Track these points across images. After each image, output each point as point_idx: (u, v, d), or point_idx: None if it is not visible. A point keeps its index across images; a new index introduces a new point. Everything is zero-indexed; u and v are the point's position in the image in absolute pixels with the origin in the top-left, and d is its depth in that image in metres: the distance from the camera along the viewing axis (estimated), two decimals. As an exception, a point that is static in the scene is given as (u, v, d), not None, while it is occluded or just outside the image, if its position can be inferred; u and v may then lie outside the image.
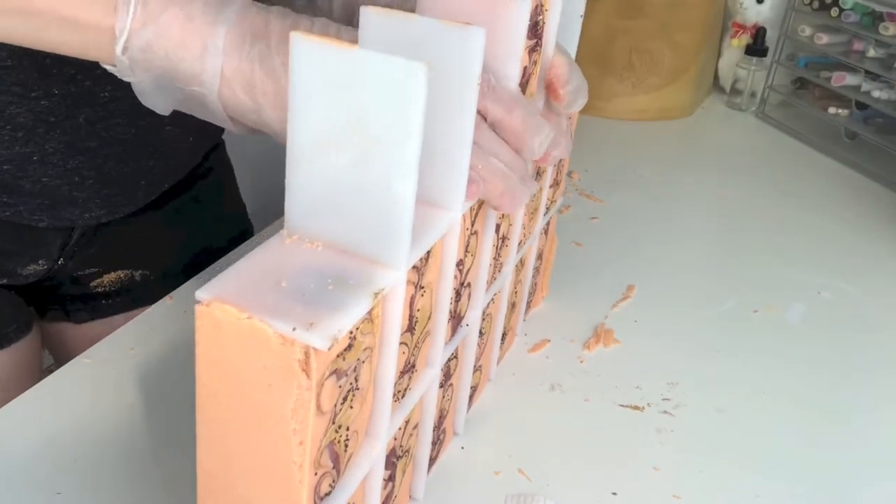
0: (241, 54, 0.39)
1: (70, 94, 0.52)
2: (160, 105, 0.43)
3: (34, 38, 0.41)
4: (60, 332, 0.73)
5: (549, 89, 0.47)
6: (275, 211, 0.46)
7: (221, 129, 0.79)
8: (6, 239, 0.61)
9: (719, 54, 1.24)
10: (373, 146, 0.31)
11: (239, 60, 0.39)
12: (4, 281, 0.64)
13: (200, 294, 0.30)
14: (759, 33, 1.16)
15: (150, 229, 0.70)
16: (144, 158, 0.63)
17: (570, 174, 0.93)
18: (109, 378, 0.55)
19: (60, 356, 0.75)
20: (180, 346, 0.58)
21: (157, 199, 0.69)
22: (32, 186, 0.58)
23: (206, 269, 0.67)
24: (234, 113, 0.42)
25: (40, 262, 0.64)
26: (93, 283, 0.70)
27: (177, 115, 0.63)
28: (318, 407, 0.30)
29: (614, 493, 0.50)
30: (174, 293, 0.64)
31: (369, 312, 0.32)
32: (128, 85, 0.42)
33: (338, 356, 0.30)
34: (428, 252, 0.37)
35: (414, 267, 0.36)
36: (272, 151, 0.53)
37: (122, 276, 0.71)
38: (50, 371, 0.57)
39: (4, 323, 0.64)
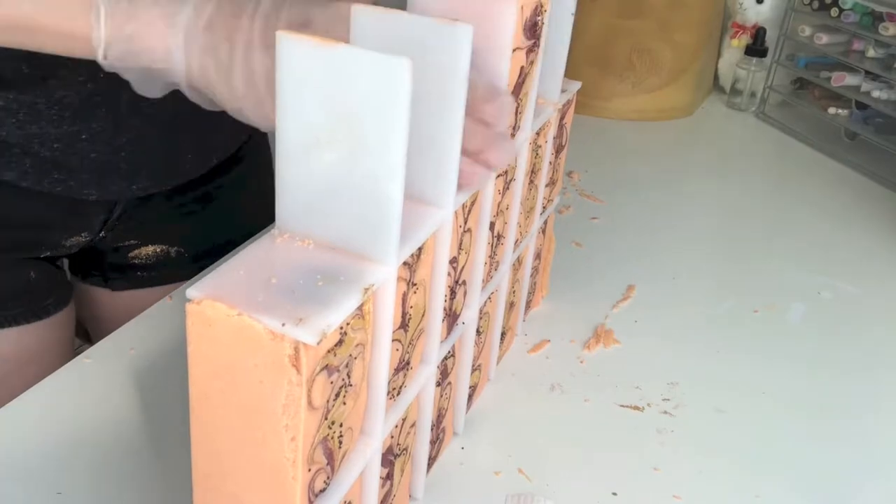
0: (199, 48, 0.42)
1: (112, 74, 0.54)
2: (151, 93, 0.46)
3: (30, 46, 0.45)
4: (97, 297, 0.76)
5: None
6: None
7: None
8: (51, 212, 0.65)
9: (719, 54, 1.24)
10: (360, 142, 0.31)
11: (199, 53, 0.42)
12: (48, 253, 0.67)
13: (191, 292, 0.30)
14: (758, 33, 1.16)
15: (188, 208, 0.74)
16: (187, 133, 0.66)
17: (570, 174, 0.93)
18: (109, 378, 0.55)
19: (93, 319, 0.79)
20: (180, 346, 0.58)
21: (200, 177, 0.72)
22: (81, 162, 0.61)
23: (208, 268, 0.67)
24: (201, 100, 0.45)
25: (83, 234, 0.68)
26: (131, 255, 0.73)
27: None
28: (310, 402, 0.30)
29: (614, 494, 0.50)
30: (174, 293, 0.64)
31: (360, 308, 0.32)
32: None
33: (328, 351, 0.31)
34: (420, 249, 0.37)
35: (405, 264, 0.36)
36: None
37: (158, 250, 0.74)
38: (79, 352, 0.58)
39: (44, 295, 0.68)
